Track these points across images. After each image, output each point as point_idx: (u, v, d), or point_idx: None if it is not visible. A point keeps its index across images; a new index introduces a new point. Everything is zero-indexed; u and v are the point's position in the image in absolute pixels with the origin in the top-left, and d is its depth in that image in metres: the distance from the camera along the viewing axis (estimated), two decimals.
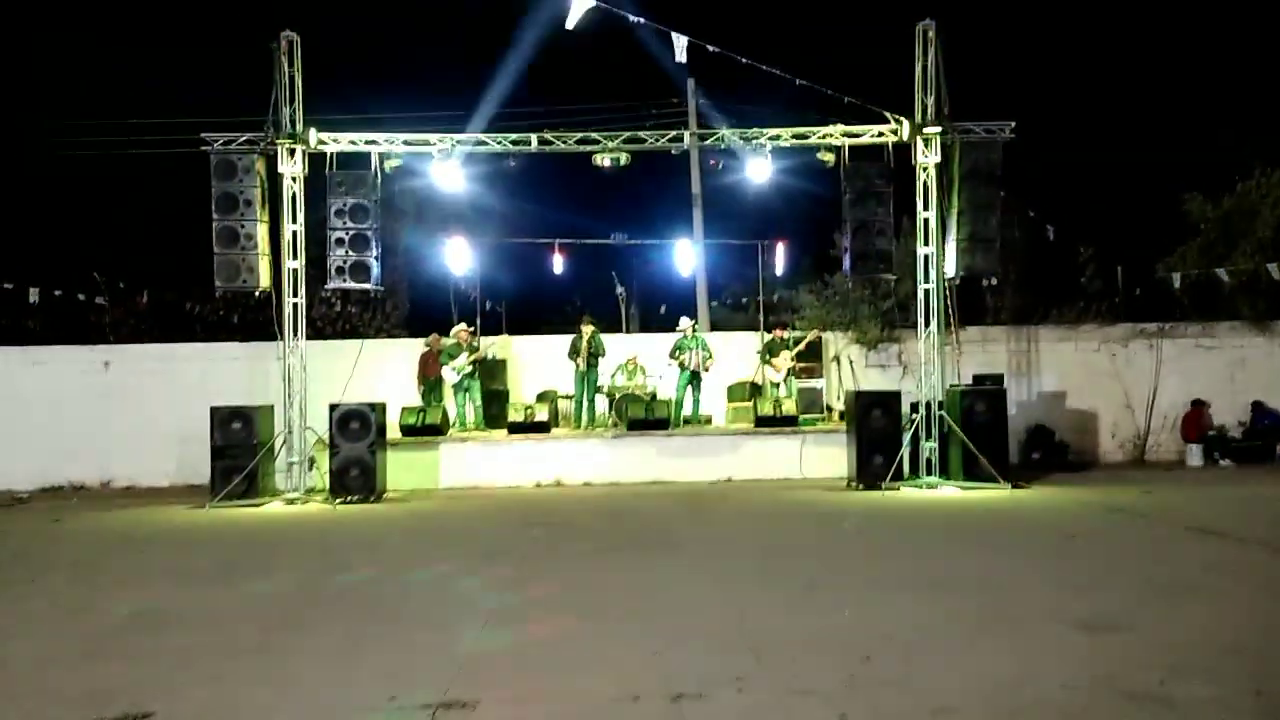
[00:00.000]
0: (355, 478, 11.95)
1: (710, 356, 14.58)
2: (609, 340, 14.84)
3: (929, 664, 4.88)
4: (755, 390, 15.04)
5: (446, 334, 15.34)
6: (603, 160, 12.66)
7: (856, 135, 12.53)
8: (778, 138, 12.66)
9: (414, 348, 15.11)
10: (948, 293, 12.69)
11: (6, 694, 4.76)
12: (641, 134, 12.96)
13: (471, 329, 14.84)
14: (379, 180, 12.50)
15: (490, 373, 14.90)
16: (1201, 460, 14.48)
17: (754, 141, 12.67)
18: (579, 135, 12.72)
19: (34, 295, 15.20)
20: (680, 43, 11.29)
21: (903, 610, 5.97)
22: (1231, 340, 15.54)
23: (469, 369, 14.23)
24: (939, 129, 12.17)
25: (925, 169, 12.35)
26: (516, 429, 13.54)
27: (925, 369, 12.46)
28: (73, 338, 15.83)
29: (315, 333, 14.47)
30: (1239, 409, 15.12)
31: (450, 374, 14.22)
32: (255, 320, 15.51)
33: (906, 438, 12.22)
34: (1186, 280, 15.73)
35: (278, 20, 12.17)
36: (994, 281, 13.60)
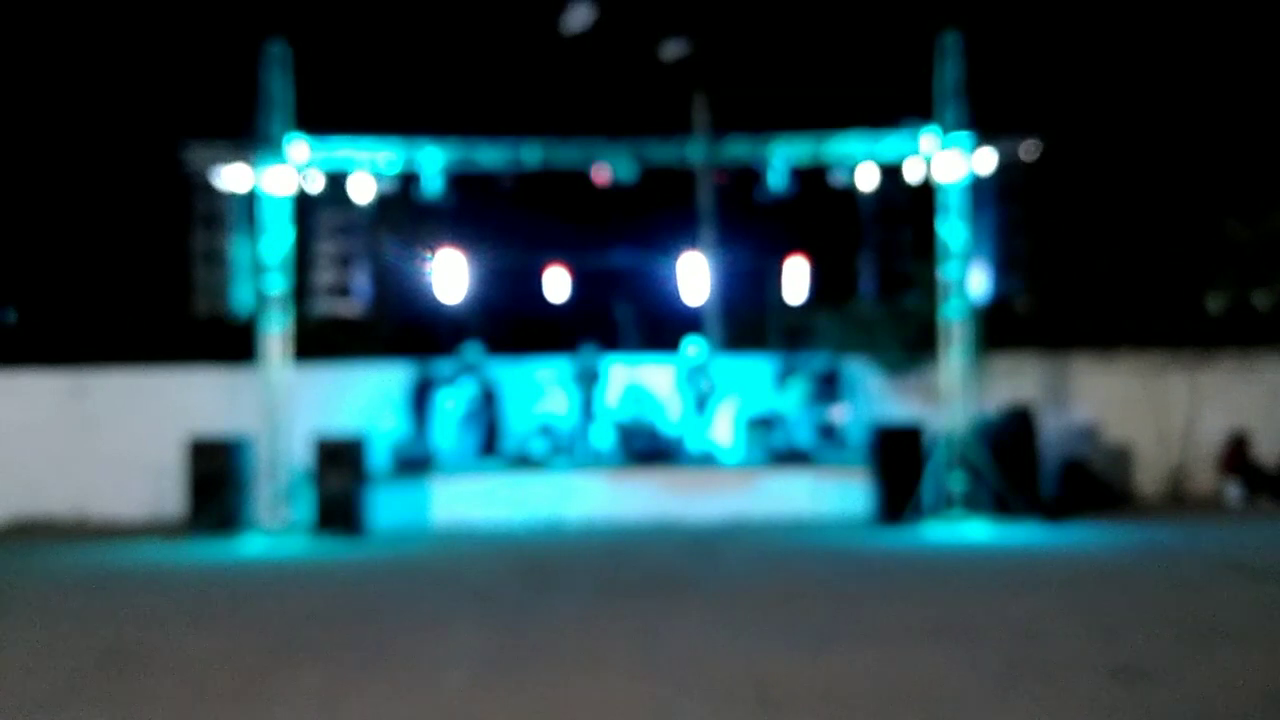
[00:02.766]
0: (339, 512, 11.93)
1: (718, 383, 14.58)
2: (611, 364, 14.85)
3: (952, 717, 4.86)
4: (768, 419, 15.00)
5: (439, 357, 15.35)
6: (607, 176, 12.73)
7: (876, 151, 12.59)
8: (792, 153, 12.71)
9: (403, 373, 15.11)
10: (973, 317, 12.70)
11: None
12: (648, 150, 13.04)
13: (481, 352, 14.92)
14: (369, 197, 12.59)
15: (490, 400, 14.93)
16: (1241, 495, 14.43)
17: (766, 157, 12.73)
18: (583, 150, 12.79)
19: (9, 317, 15.29)
20: (673, 47, 11.35)
21: (924, 658, 5.95)
22: (1272, 370, 15.51)
23: (474, 396, 14.28)
24: (963, 145, 12.23)
25: (949, 187, 12.40)
26: (513, 461, 13.53)
27: (949, 398, 12.45)
28: (44, 362, 15.86)
29: (300, 357, 14.48)
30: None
31: (454, 401, 14.28)
32: (236, 344, 15.54)
33: (929, 471, 12.19)
34: (1225, 308, 15.72)
35: (266, 29, 12.31)
36: (1022, 305, 13.62)
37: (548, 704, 5.25)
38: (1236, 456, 14.74)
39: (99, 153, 17.67)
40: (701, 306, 19.56)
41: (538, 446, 13.72)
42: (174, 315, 16.51)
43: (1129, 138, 21.07)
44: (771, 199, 12.99)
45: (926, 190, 12.59)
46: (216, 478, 11.93)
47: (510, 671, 5.92)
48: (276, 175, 12.31)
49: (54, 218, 21.19)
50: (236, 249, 12.06)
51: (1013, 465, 11.91)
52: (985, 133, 12.32)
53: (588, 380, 14.28)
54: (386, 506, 12.84)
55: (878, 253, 12.51)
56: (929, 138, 12.39)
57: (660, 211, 20.50)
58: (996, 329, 14.81)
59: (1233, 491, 14.50)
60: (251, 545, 11.67)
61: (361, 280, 12.42)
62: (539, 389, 15.57)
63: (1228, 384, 15.39)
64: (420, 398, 14.72)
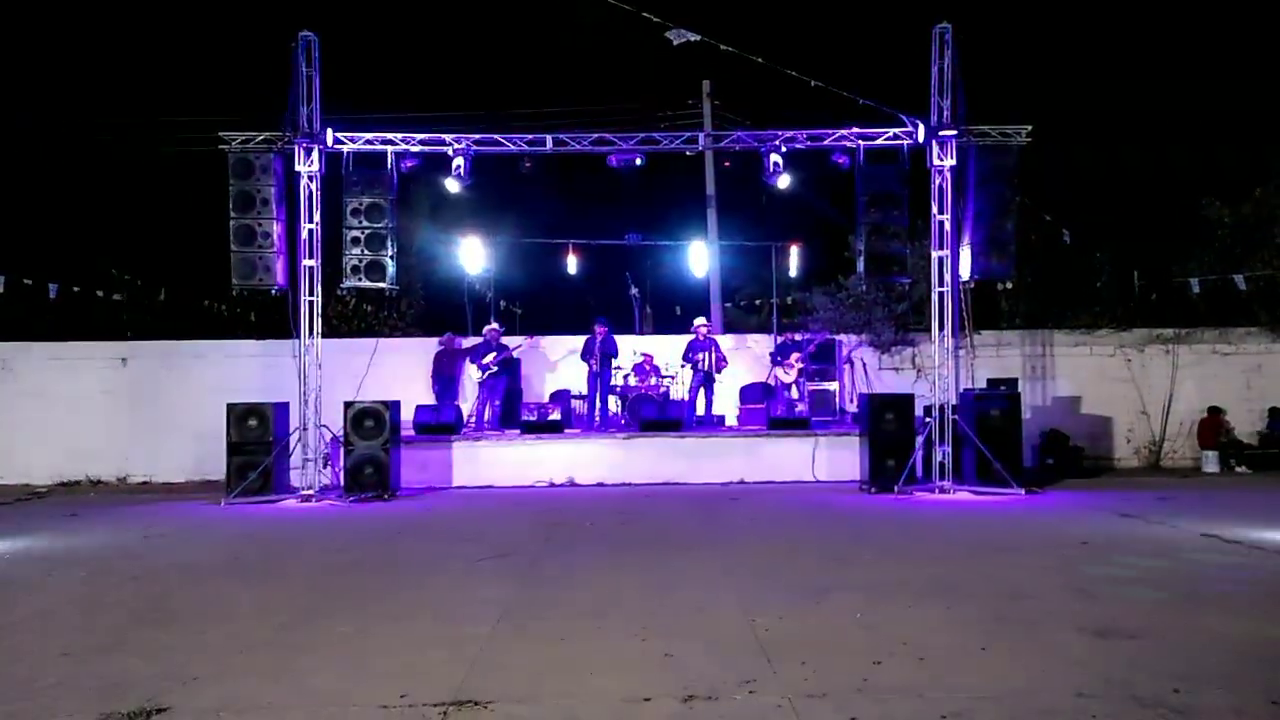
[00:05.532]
0: (369, 475, 12.01)
1: (723, 358, 14.58)
2: (622, 341, 14.85)
3: (940, 669, 4.86)
4: (768, 392, 15.02)
5: (461, 333, 15.38)
6: (617, 161, 12.66)
7: (872, 138, 12.50)
8: (793, 140, 12.63)
9: (428, 346, 15.15)
10: (962, 296, 12.62)
11: (25, 686, 4.80)
12: (656, 135, 12.97)
13: (502, 328, 14.93)
14: (395, 179, 12.55)
15: (510, 371, 14.96)
16: (1218, 467, 14.37)
17: (769, 143, 12.65)
18: (594, 136, 12.72)
19: (53, 291, 15.31)
20: (682, 33, 11.24)
21: (915, 615, 5.94)
22: (1248, 346, 15.44)
23: (495, 369, 14.30)
24: (955, 132, 12.12)
25: (941, 172, 12.30)
26: (530, 428, 13.57)
27: (939, 372, 12.41)
28: (91, 334, 15.94)
29: (330, 331, 14.52)
30: (1255, 415, 15.03)
31: (476, 372, 14.33)
32: (271, 318, 15.60)
33: (920, 441, 12.18)
34: (1204, 286, 15.62)
35: (296, 20, 12.27)
36: (1009, 285, 13.55)
37: (561, 651, 5.26)
38: (1213, 429, 14.69)
39: (138, 135, 17.64)
40: (707, 285, 19.56)
41: (554, 415, 13.75)
42: (213, 291, 16.62)
43: (1114, 125, 20.85)
44: (772, 183, 12.88)
45: (918, 175, 12.50)
46: (253, 442, 12.00)
47: (527, 622, 5.92)
48: (308, 158, 12.25)
49: (96, 196, 21.23)
50: (271, 229, 12.03)
51: (998, 435, 11.88)
52: (974, 119, 12.21)
53: (600, 353, 14.27)
54: (412, 469, 12.91)
55: (872, 235, 12.40)
56: (922, 125, 12.28)
57: (669, 195, 20.47)
58: (983, 307, 14.74)
59: (1210, 462, 14.46)
60: (287, 504, 11.74)
61: (389, 258, 12.38)
62: (555, 362, 15.61)
63: (1205, 360, 15.32)
64: (444, 369, 14.75)
